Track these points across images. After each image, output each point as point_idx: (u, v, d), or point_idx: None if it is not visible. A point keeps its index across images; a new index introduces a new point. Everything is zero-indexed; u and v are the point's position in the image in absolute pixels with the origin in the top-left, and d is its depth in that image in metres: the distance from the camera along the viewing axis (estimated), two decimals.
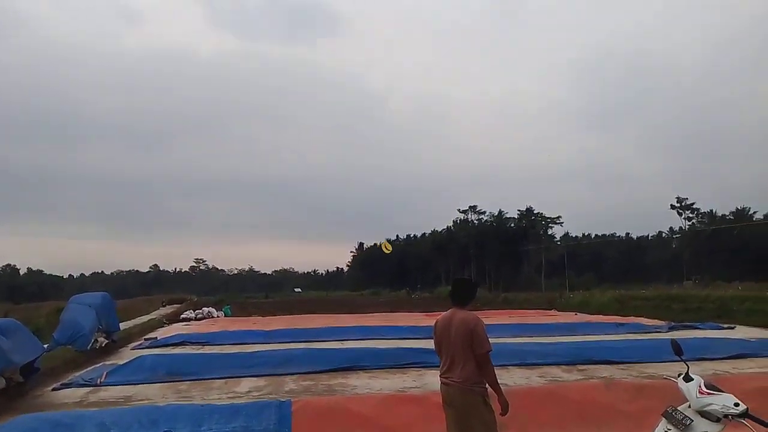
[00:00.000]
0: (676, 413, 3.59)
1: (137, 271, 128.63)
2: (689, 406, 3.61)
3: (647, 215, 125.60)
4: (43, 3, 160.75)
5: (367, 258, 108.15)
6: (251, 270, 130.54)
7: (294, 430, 5.34)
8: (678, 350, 3.98)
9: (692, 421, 3.48)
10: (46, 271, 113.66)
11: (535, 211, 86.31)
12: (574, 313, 25.42)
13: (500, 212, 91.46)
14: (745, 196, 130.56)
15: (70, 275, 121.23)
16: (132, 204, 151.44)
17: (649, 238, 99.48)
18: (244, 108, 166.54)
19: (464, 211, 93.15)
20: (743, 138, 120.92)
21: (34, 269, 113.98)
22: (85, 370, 10.14)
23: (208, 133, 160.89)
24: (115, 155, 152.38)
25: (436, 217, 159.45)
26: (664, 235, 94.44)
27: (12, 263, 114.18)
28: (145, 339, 15.56)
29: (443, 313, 4.37)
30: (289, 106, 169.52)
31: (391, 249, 41.14)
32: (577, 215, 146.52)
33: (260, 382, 8.97)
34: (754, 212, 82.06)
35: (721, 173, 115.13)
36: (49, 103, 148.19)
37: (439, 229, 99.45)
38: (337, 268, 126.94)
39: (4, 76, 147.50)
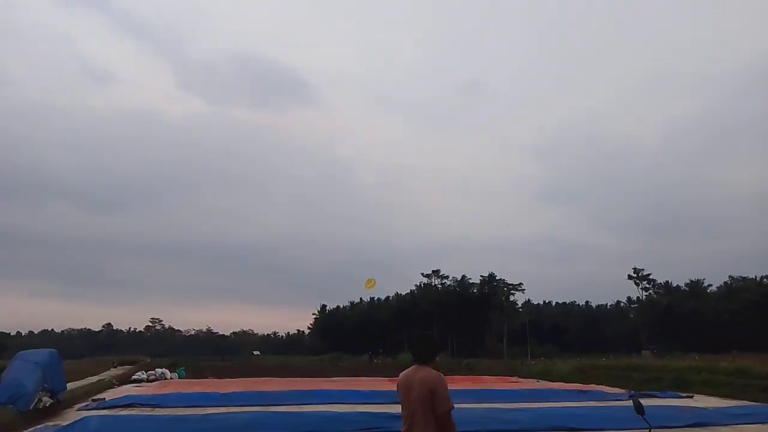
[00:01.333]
0: None
1: (89, 330, 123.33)
2: None
3: (606, 285, 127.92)
4: (8, 59, 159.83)
5: (328, 322, 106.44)
6: (209, 331, 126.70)
7: None
8: (640, 409, 4.02)
9: None
10: None
11: (497, 278, 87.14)
12: (536, 380, 25.29)
13: (463, 277, 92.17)
14: (698, 270, 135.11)
15: (18, 332, 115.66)
16: (88, 263, 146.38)
17: (608, 307, 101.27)
18: (208, 172, 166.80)
19: (428, 275, 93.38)
20: (695, 216, 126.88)
21: None
22: None
23: (169, 196, 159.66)
24: (74, 214, 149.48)
25: (400, 280, 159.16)
26: (622, 304, 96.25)
27: None
28: (93, 400, 14.75)
29: (405, 371, 4.29)
30: (254, 171, 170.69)
31: (374, 285, 39.81)
32: (539, 283, 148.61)
33: None
34: (709, 285, 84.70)
35: (674, 248, 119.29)
36: (6, 159, 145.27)
37: (403, 293, 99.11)
38: (298, 331, 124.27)
39: None
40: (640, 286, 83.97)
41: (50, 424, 10.55)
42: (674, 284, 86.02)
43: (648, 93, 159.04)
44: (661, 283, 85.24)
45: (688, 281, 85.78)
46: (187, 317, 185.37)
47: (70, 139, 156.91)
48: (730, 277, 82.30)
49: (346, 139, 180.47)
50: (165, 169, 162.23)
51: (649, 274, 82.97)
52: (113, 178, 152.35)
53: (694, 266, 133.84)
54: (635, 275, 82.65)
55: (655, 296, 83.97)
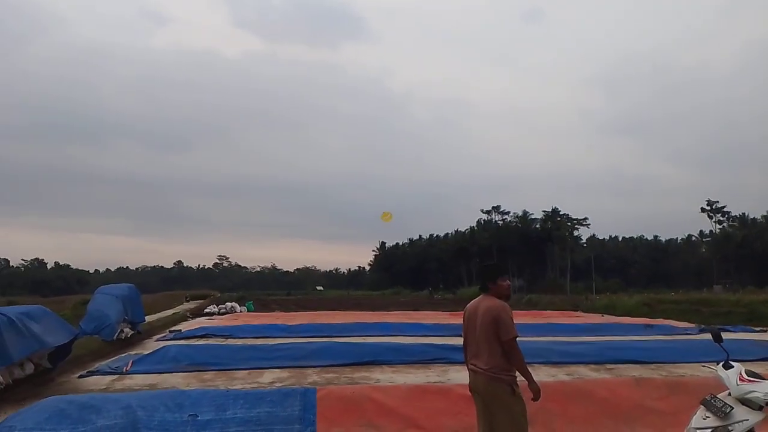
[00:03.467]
0: (715, 401, 3.45)
1: (161, 267, 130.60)
2: (729, 394, 3.47)
3: (677, 219, 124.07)
4: (67, 6, 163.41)
5: (388, 258, 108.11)
6: (273, 268, 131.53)
7: (319, 417, 5.29)
8: (717, 337, 3.84)
9: (732, 408, 3.34)
10: (73, 266, 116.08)
11: (560, 213, 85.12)
12: (600, 315, 25.00)
13: (525, 213, 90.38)
14: None
15: (96, 270, 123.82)
16: (156, 202, 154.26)
17: (678, 241, 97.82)
18: (266, 113, 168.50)
19: (487, 212, 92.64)
20: None
21: (61, 264, 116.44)
22: (111, 359, 10.26)
23: (231, 135, 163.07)
24: (139, 155, 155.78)
25: (459, 218, 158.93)
26: (693, 238, 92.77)
27: (39, 257, 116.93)
28: (170, 331, 15.69)
29: (472, 300, 4.27)
30: (310, 111, 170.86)
31: (391, 218, 39.47)
32: (604, 218, 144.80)
33: (283, 373, 8.95)
34: None
35: (751, 180, 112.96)
36: (76, 104, 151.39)
37: (462, 229, 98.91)
38: (359, 267, 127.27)
39: (35, 78, 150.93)
40: (714, 219, 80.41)
41: (133, 352, 11.31)
42: (750, 217, 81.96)
43: (723, 19, 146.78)
44: (736, 216, 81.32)
45: (765, 213, 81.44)
46: (253, 254, 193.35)
47: (130, 80, 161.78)
48: None
49: (396, 75, 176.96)
50: (225, 108, 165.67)
51: (723, 207, 79.16)
52: (175, 117, 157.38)
53: None
54: (709, 208, 79.00)
55: (729, 230, 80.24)
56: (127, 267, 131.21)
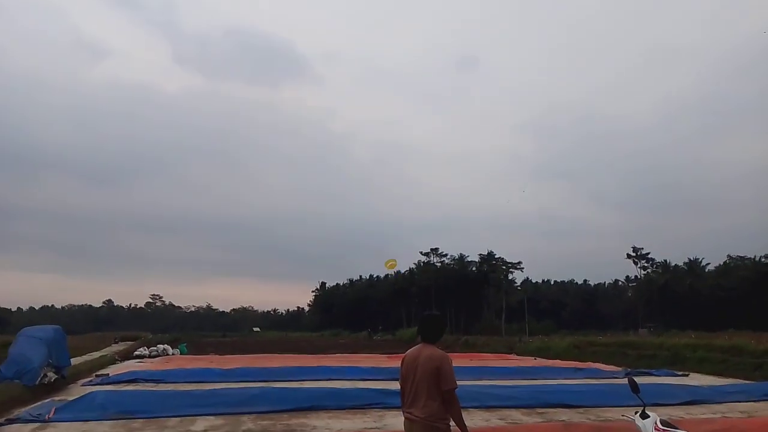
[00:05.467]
0: None
1: (90, 306, 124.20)
2: None
3: (605, 263, 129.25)
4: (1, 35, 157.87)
5: (328, 298, 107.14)
6: (209, 308, 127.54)
7: None
8: (635, 387, 4.14)
9: None
10: None
11: (496, 256, 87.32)
12: (533, 357, 25.61)
13: (461, 256, 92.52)
14: (697, 249, 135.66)
15: (18, 308, 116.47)
16: (86, 239, 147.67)
17: (606, 285, 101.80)
18: (204, 149, 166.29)
19: (426, 254, 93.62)
20: (695, 195, 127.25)
21: None
22: (32, 406, 9.71)
23: (166, 172, 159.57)
24: (70, 190, 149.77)
25: (399, 260, 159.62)
26: (620, 283, 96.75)
27: None
28: (96, 375, 14.99)
29: (411, 348, 4.40)
30: (250, 148, 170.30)
31: (395, 266, 39.84)
32: (538, 261, 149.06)
33: (217, 421, 8.74)
34: (707, 263, 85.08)
35: (674, 227, 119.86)
36: (3, 133, 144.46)
37: (401, 271, 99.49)
38: (298, 308, 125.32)
39: None
40: (639, 265, 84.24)
41: (57, 398, 10.74)
42: (672, 263, 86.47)
43: (644, 72, 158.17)
44: (659, 262, 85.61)
45: (686, 260, 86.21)
46: (188, 293, 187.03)
47: (64, 113, 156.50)
48: (728, 256, 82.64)
49: (342, 114, 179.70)
50: (163, 143, 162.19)
51: (647, 253, 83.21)
52: (111, 150, 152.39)
53: (693, 246, 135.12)
54: (634, 254, 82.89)
55: (653, 275, 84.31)
56: (53, 305, 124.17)
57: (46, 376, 11.98)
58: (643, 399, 4.07)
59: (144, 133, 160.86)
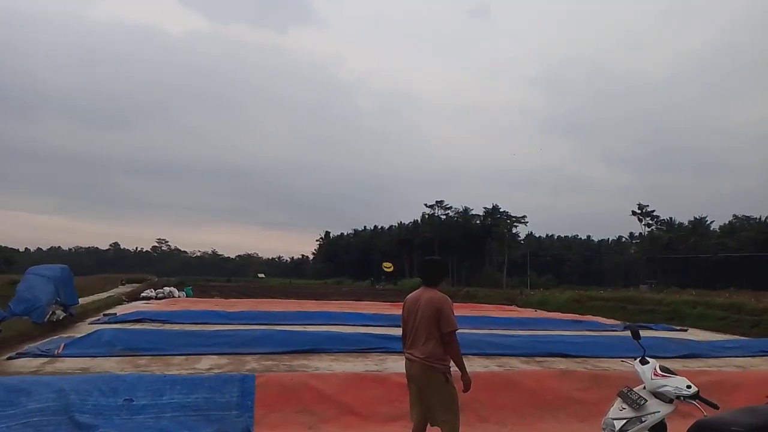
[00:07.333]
0: (631, 393, 3.75)
1: (96, 248, 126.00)
2: (644, 388, 3.78)
3: (609, 220, 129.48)
4: None
5: (331, 248, 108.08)
6: (214, 253, 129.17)
7: (257, 403, 5.36)
8: (636, 335, 4.16)
9: (646, 401, 3.65)
10: (1, 244, 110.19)
11: (500, 210, 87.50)
12: (533, 309, 25.92)
13: (466, 209, 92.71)
14: (703, 208, 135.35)
15: (26, 249, 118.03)
16: (92, 181, 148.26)
17: (609, 242, 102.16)
18: (209, 93, 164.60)
19: (431, 206, 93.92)
20: (703, 154, 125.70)
21: None
22: (41, 342, 9.92)
23: (170, 115, 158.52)
24: (73, 131, 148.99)
25: (403, 211, 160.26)
26: (624, 239, 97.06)
27: None
28: (104, 314, 15.27)
29: (413, 292, 4.44)
30: (254, 94, 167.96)
31: (392, 268, 42.77)
32: (542, 216, 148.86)
33: (221, 360, 8.91)
34: (711, 221, 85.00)
35: (680, 186, 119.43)
36: (4, 75, 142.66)
37: (406, 222, 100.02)
38: (303, 255, 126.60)
39: None
40: (644, 222, 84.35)
41: (64, 335, 10.97)
42: (677, 221, 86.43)
43: (658, 25, 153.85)
44: (663, 220, 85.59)
45: (691, 219, 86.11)
46: (193, 238, 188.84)
47: (65, 51, 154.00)
48: (734, 215, 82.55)
49: (348, 62, 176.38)
50: (166, 86, 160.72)
51: (653, 211, 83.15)
52: (113, 93, 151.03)
53: (699, 205, 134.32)
54: (639, 211, 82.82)
55: (657, 232, 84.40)
56: (59, 247, 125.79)
57: (54, 313, 12.17)
58: (643, 346, 4.09)
59: (147, 75, 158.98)
